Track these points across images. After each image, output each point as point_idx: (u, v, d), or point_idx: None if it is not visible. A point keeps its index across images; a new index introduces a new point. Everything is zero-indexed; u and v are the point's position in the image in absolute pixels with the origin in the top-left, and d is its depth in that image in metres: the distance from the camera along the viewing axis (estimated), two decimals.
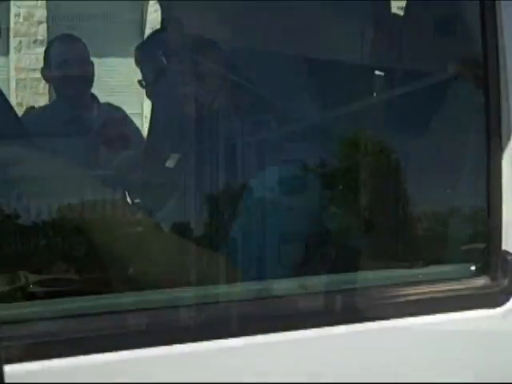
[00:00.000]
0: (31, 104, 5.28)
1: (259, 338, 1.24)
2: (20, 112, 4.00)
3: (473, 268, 1.48)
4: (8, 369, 0.97)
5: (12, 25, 6.30)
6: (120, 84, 5.44)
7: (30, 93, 6.02)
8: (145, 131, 2.98)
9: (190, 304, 1.29)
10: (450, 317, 1.36)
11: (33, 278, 1.39)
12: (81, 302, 1.27)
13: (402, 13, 2.12)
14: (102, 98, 3.15)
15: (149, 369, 1.18)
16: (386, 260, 1.62)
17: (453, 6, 1.84)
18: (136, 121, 3.33)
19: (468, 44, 1.73)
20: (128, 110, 3.30)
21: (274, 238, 1.60)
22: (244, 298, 1.33)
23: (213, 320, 1.25)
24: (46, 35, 6.15)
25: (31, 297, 1.39)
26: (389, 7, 2.30)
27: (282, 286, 1.38)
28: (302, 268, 1.55)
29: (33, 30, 6.41)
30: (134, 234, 1.47)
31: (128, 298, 1.31)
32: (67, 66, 3.02)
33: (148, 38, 2.17)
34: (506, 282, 1.44)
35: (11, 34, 6.24)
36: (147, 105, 4.71)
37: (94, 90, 3.12)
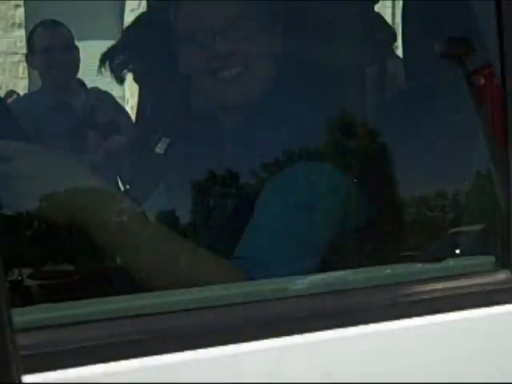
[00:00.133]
0: (11, 88, 5.26)
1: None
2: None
3: (493, 261, 1.40)
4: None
5: None
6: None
7: (10, 77, 5.98)
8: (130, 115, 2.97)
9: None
10: (472, 313, 1.29)
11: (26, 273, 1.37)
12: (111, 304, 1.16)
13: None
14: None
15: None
16: (401, 254, 1.59)
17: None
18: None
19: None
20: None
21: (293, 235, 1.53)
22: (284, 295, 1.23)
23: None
24: (23, 19, 6.10)
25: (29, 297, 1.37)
26: None
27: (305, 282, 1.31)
28: (325, 265, 1.47)
29: (10, 13, 6.35)
30: (125, 222, 1.42)
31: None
32: (52, 51, 3.01)
33: (137, 20, 2.11)
34: None
35: None
36: (130, 88, 4.70)
37: None
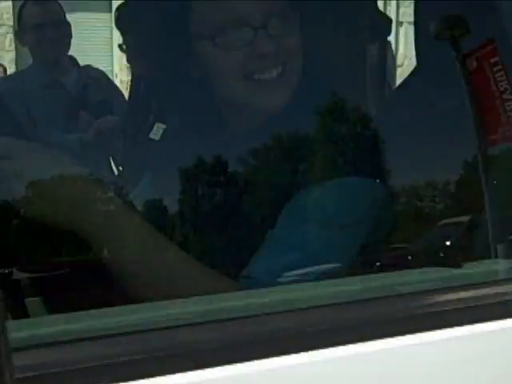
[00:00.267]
0: None
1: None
2: None
3: None
4: None
5: None
6: (89, 41, 5.36)
7: None
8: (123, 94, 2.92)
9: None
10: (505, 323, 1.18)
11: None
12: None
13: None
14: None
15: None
16: (421, 258, 1.53)
17: None
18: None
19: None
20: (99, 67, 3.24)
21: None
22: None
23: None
24: None
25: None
26: None
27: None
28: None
29: None
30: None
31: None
32: (42, 28, 2.94)
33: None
34: None
35: None
36: (118, 62, 4.64)
37: None
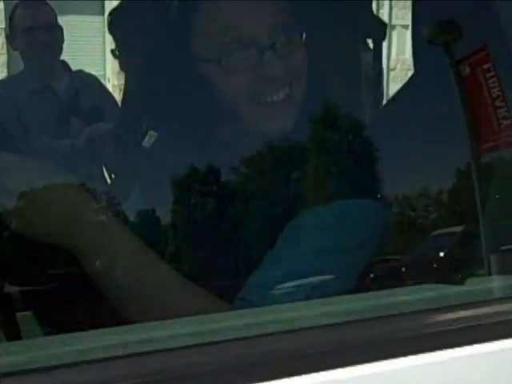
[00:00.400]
0: None
1: None
2: None
3: None
4: None
5: None
6: (81, 44, 5.34)
7: None
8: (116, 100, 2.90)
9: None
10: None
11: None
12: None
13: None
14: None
15: None
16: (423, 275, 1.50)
17: None
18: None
19: None
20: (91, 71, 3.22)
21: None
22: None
23: None
24: None
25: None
26: None
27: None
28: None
29: None
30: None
31: None
32: (33, 32, 2.92)
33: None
34: None
35: None
36: (111, 66, 4.62)
37: None
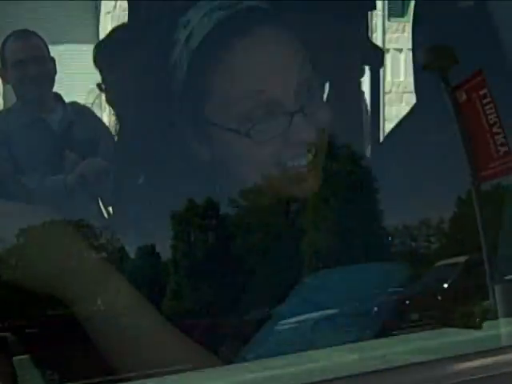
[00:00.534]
0: None
1: None
2: None
3: None
4: None
5: None
6: (69, 73, 5.31)
7: None
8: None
9: None
10: None
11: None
12: None
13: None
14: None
15: None
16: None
17: None
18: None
19: None
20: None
21: None
22: None
23: None
24: None
25: None
26: None
27: None
28: None
29: None
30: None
31: None
32: (25, 64, 2.89)
33: (111, 34, 1.88)
34: None
35: None
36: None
37: None
